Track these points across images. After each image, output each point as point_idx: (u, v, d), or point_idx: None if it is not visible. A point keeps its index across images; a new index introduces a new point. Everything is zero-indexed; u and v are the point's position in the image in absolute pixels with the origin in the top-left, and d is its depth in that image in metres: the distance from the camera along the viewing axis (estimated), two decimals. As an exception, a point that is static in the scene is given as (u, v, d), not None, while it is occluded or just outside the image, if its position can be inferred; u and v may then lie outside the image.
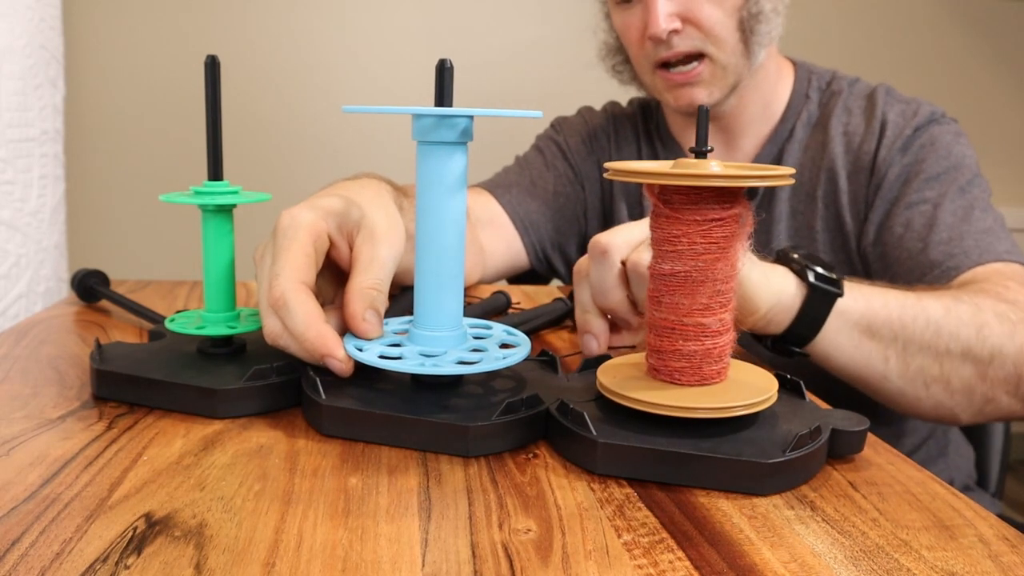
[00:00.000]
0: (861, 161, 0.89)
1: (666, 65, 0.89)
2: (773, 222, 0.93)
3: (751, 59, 0.89)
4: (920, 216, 0.83)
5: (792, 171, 0.43)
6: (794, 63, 0.99)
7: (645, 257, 0.56)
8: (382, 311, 0.50)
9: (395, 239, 0.53)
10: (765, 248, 0.92)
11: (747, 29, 0.87)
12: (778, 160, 0.94)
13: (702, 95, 0.89)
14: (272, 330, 0.49)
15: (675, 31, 0.86)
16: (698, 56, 0.87)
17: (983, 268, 0.76)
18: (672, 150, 1.02)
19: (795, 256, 0.62)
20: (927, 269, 0.79)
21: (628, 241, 0.57)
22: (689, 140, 0.99)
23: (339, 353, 0.47)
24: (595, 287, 0.58)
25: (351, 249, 0.53)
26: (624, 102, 1.10)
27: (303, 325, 0.47)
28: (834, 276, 0.61)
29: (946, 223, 0.80)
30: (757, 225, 0.93)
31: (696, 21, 0.86)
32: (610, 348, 0.60)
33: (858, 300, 0.63)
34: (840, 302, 0.61)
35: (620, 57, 0.99)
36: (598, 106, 1.11)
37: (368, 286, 0.50)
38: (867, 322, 0.64)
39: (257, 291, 0.51)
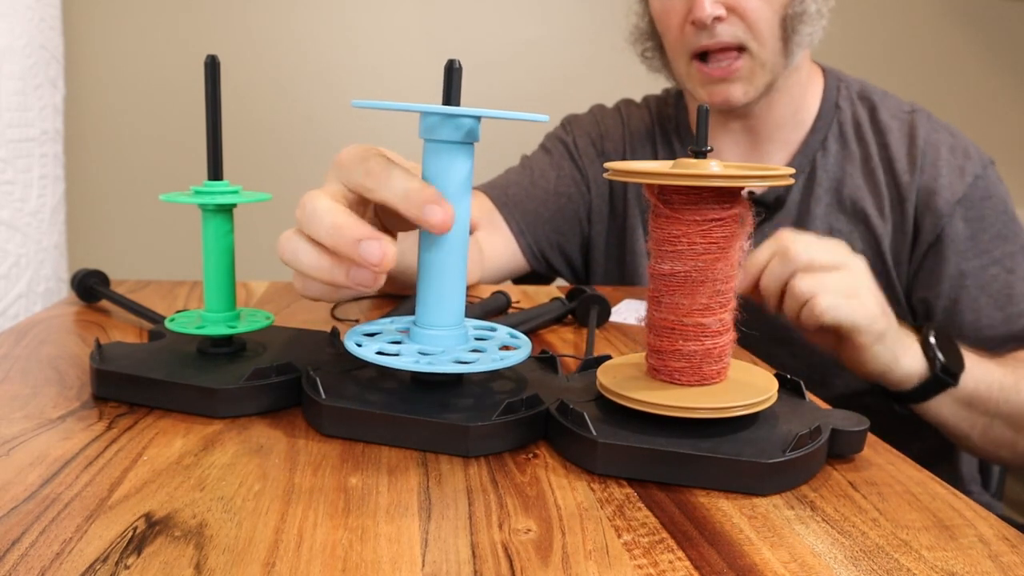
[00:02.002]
0: (904, 192, 0.88)
1: (702, 57, 0.87)
2: None
3: (788, 59, 0.87)
4: (994, 281, 0.86)
5: (792, 171, 0.43)
6: (823, 69, 0.96)
7: (804, 288, 0.65)
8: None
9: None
10: None
11: (789, 28, 0.85)
12: (812, 172, 0.92)
13: (738, 93, 0.87)
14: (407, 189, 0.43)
15: (719, 18, 0.84)
16: (738, 48, 0.86)
17: None
18: None
19: (932, 341, 0.72)
20: (1003, 342, 0.85)
21: (811, 261, 0.66)
22: (712, 136, 0.96)
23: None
24: (768, 273, 0.66)
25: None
26: (624, 101, 1.08)
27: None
28: (955, 370, 0.71)
29: (1021, 293, 0.85)
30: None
31: (742, 12, 0.84)
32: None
33: (967, 382, 0.73)
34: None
35: (652, 43, 0.97)
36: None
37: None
38: (969, 400, 0.74)
39: (375, 175, 0.45)
